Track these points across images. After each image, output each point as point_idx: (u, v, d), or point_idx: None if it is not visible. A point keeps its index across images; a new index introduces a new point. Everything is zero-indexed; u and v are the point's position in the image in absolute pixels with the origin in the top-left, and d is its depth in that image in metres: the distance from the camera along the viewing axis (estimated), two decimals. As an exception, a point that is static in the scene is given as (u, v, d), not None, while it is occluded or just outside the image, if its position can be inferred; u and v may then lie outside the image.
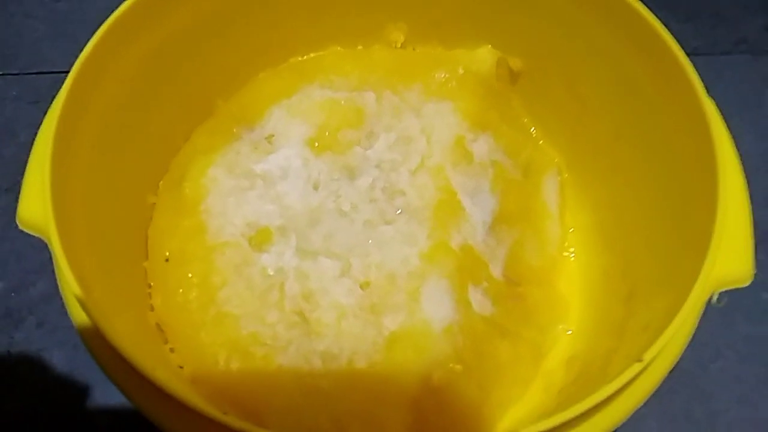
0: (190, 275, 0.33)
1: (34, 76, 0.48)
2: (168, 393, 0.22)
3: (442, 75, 0.39)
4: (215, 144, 0.37)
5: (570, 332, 0.34)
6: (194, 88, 0.37)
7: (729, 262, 0.25)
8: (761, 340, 0.39)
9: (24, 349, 0.38)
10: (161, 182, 0.36)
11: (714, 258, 0.24)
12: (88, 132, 0.29)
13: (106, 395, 0.36)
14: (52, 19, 0.51)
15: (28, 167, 0.28)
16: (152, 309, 0.33)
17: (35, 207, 0.26)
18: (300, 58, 0.41)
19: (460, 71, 0.39)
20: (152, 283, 0.34)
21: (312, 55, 0.41)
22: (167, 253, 0.34)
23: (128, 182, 0.34)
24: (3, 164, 0.44)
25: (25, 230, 0.27)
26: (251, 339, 0.32)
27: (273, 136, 0.37)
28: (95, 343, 0.25)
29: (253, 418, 0.30)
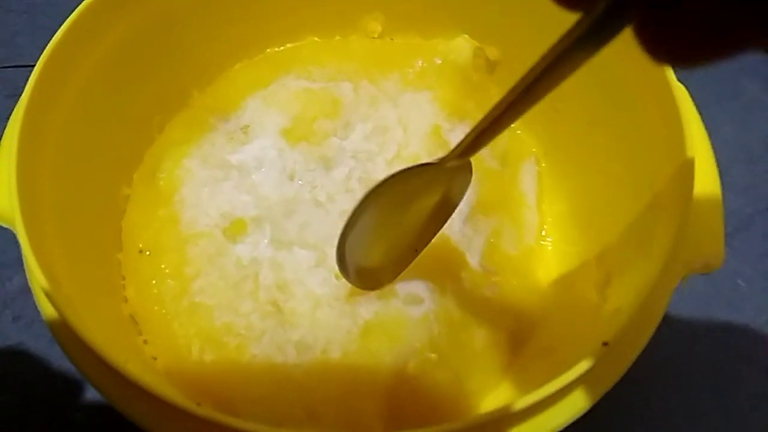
0: (163, 266, 0.33)
1: (11, 69, 0.47)
2: (138, 385, 0.22)
3: (420, 65, 0.39)
4: (190, 135, 0.37)
5: (546, 319, 0.34)
6: (169, 78, 0.36)
7: (700, 246, 0.25)
8: (738, 328, 0.39)
9: (0, 343, 0.37)
10: (135, 174, 0.36)
11: (685, 242, 0.24)
12: (57, 123, 0.29)
13: (83, 389, 0.36)
14: (30, 12, 0.50)
15: None
16: (126, 301, 0.33)
17: (3, 198, 0.26)
18: (277, 49, 0.41)
19: (438, 61, 0.39)
20: (126, 275, 0.34)
21: (289, 45, 0.41)
22: (141, 245, 0.34)
23: (101, 174, 0.33)
24: (-21, 159, 0.43)
25: None
26: (225, 329, 0.31)
27: (248, 126, 0.37)
28: (65, 336, 0.25)
29: (226, 408, 0.30)
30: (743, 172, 0.44)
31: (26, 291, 0.38)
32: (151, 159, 0.36)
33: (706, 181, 0.27)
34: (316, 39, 0.41)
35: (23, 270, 0.38)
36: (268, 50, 0.41)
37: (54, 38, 0.28)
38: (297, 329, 0.31)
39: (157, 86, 0.36)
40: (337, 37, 0.41)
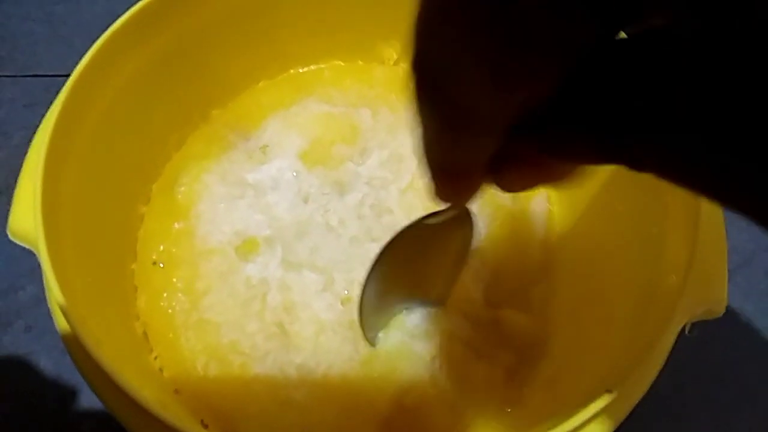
0: (175, 279, 0.34)
1: (29, 78, 0.47)
2: (144, 408, 0.22)
3: (439, 96, 0.39)
4: (210, 151, 0.37)
5: (548, 354, 0.34)
6: (191, 98, 0.37)
7: (704, 293, 0.25)
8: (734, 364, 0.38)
9: (11, 353, 0.38)
10: (155, 185, 0.37)
11: (688, 289, 0.24)
12: (81, 143, 0.30)
13: (92, 400, 0.36)
14: (50, 22, 0.50)
15: (20, 178, 0.28)
16: (138, 318, 0.33)
17: (26, 220, 0.26)
18: (300, 70, 0.41)
19: (457, 93, 0.39)
20: (138, 285, 0.34)
21: (312, 67, 0.41)
22: (155, 257, 0.35)
23: (120, 191, 0.34)
24: (-4, 167, 0.44)
25: (16, 241, 0.27)
26: (230, 347, 0.32)
27: (267, 146, 0.38)
28: (78, 352, 0.25)
29: (227, 425, 0.30)
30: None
31: (39, 301, 0.39)
32: (171, 171, 0.37)
33: (711, 226, 0.27)
34: (339, 62, 0.41)
35: (36, 280, 0.38)
36: (291, 70, 0.41)
37: (84, 57, 0.29)
38: (300, 352, 0.32)
39: (179, 106, 0.37)
40: (360, 62, 0.41)
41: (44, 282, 0.26)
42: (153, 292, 0.34)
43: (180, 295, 0.34)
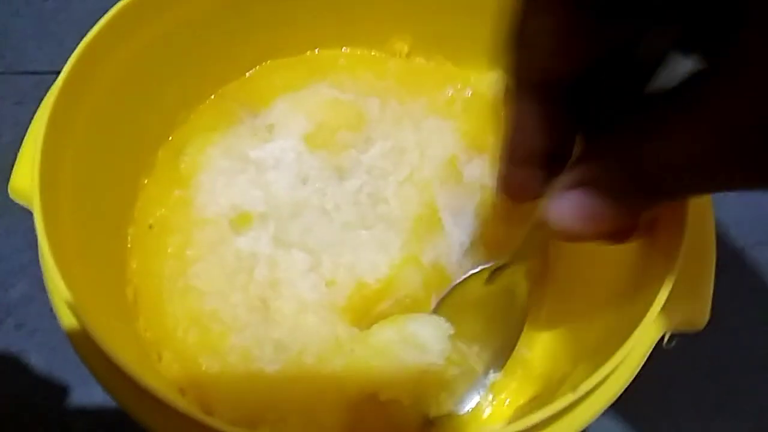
0: (168, 244, 0.35)
1: (18, 76, 0.47)
2: (126, 373, 0.23)
3: (449, 93, 0.39)
4: (218, 124, 0.38)
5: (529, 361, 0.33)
6: (202, 76, 0.38)
7: (685, 304, 0.24)
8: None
9: (2, 351, 0.38)
10: (160, 152, 0.38)
11: (669, 299, 0.24)
12: (87, 111, 0.30)
13: (84, 397, 0.37)
14: (40, 18, 0.49)
15: (25, 140, 0.29)
16: (130, 282, 0.34)
17: (26, 179, 0.27)
18: (316, 53, 0.42)
19: (468, 92, 0.40)
20: (132, 247, 0.35)
21: (328, 51, 0.42)
22: (152, 221, 0.36)
23: (124, 158, 0.35)
24: (-14, 164, 0.45)
25: (15, 199, 0.28)
26: (211, 315, 0.32)
27: (274, 125, 0.38)
28: (66, 315, 0.26)
29: (200, 391, 0.31)
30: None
31: (29, 299, 0.39)
32: (178, 140, 0.38)
33: (699, 237, 0.26)
34: (355, 50, 0.42)
35: (26, 278, 0.38)
36: (308, 52, 0.42)
37: (93, 29, 0.30)
38: (278, 328, 0.32)
39: (191, 78, 0.37)
40: (374, 52, 0.41)
41: (39, 246, 0.26)
42: (145, 256, 0.35)
43: (171, 260, 0.34)
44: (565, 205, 0.18)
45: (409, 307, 0.33)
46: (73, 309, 0.24)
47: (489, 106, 0.39)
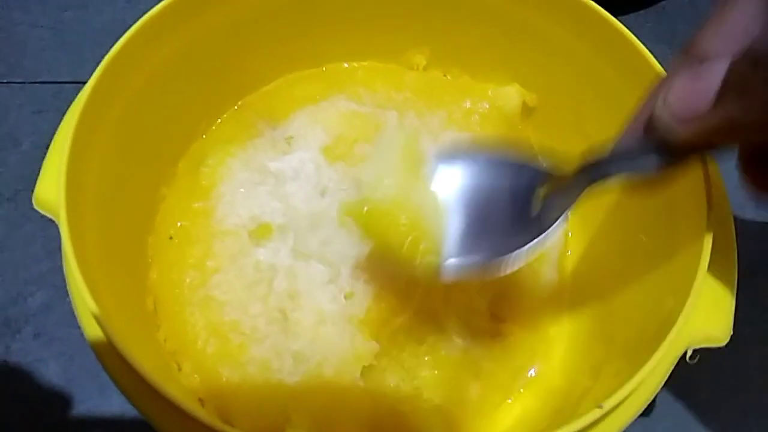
0: (188, 255, 0.35)
1: (38, 85, 0.47)
2: (147, 380, 0.23)
3: (467, 106, 0.40)
4: (238, 136, 0.39)
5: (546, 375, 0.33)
6: (223, 88, 0.38)
7: (707, 320, 0.24)
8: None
9: (20, 359, 0.38)
10: (181, 163, 0.38)
11: (691, 316, 0.24)
12: (111, 122, 0.31)
13: (101, 406, 0.37)
14: (58, 28, 0.50)
15: (49, 151, 0.30)
16: (150, 292, 0.34)
17: (51, 191, 0.28)
18: (335, 66, 0.42)
19: (485, 106, 0.40)
20: (152, 257, 0.35)
21: (346, 65, 0.42)
22: (172, 232, 0.36)
23: (145, 170, 0.35)
24: (5, 173, 0.43)
25: (41, 210, 0.28)
26: (231, 326, 0.33)
27: (293, 137, 0.38)
28: (90, 324, 0.26)
29: (220, 402, 0.31)
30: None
31: (48, 308, 0.39)
32: (198, 152, 0.38)
33: (722, 253, 0.26)
34: (374, 63, 0.42)
35: (45, 287, 0.38)
36: (326, 65, 0.42)
37: (119, 41, 0.30)
38: (298, 340, 0.32)
39: (210, 95, 0.38)
40: (392, 65, 0.42)
41: (63, 258, 0.26)
42: (166, 266, 0.35)
43: (191, 270, 0.34)
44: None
45: (427, 319, 0.33)
46: (99, 320, 0.24)
47: (505, 119, 0.40)
